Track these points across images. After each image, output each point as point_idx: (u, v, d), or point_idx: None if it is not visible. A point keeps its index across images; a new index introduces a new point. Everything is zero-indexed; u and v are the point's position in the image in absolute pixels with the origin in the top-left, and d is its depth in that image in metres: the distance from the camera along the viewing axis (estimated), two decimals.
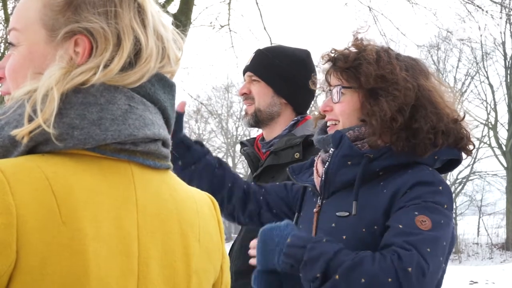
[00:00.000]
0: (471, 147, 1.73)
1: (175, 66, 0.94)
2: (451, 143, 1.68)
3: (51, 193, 0.76)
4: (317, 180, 1.76)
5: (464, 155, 1.76)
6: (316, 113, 1.90)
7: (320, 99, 7.13)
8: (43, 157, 0.80)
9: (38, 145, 0.81)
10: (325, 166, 1.72)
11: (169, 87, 0.93)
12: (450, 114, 1.69)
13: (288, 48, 2.39)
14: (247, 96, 2.31)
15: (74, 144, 0.80)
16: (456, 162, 1.76)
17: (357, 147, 1.68)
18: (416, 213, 1.52)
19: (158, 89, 0.91)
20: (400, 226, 1.51)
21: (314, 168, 1.80)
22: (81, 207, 0.77)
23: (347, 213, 1.63)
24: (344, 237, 1.61)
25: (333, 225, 1.66)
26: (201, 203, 0.98)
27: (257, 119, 2.29)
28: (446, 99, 1.73)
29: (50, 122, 0.79)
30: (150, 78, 0.89)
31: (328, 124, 1.78)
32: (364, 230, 1.59)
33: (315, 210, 1.75)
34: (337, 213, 1.66)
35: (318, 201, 1.76)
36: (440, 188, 1.59)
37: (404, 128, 1.64)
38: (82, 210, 0.77)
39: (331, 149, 1.71)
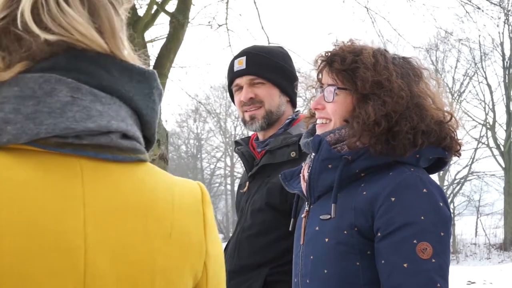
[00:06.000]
0: (457, 147, 1.70)
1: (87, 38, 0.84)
2: (433, 142, 1.65)
3: None
4: (303, 186, 1.77)
5: (458, 155, 1.73)
6: (306, 112, 1.89)
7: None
8: None
9: None
10: (308, 171, 1.72)
11: (140, 75, 0.87)
12: (436, 115, 1.66)
13: (272, 46, 2.39)
14: (253, 100, 2.23)
15: (8, 139, 0.77)
16: (443, 162, 1.73)
17: (337, 150, 1.67)
18: (414, 241, 1.52)
19: (120, 79, 0.85)
20: (405, 265, 1.50)
21: (301, 174, 1.80)
22: (3, 203, 0.74)
23: (329, 216, 1.64)
24: (326, 239, 1.63)
25: (317, 228, 1.68)
26: (183, 196, 0.91)
27: (270, 121, 2.24)
28: (437, 101, 1.71)
29: None
30: (109, 67, 0.84)
31: (318, 122, 1.77)
32: (345, 232, 1.60)
33: (303, 215, 1.77)
34: (320, 216, 1.67)
35: (306, 206, 1.77)
36: (425, 190, 1.57)
37: (386, 132, 1.62)
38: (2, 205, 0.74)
39: (313, 153, 1.71)
